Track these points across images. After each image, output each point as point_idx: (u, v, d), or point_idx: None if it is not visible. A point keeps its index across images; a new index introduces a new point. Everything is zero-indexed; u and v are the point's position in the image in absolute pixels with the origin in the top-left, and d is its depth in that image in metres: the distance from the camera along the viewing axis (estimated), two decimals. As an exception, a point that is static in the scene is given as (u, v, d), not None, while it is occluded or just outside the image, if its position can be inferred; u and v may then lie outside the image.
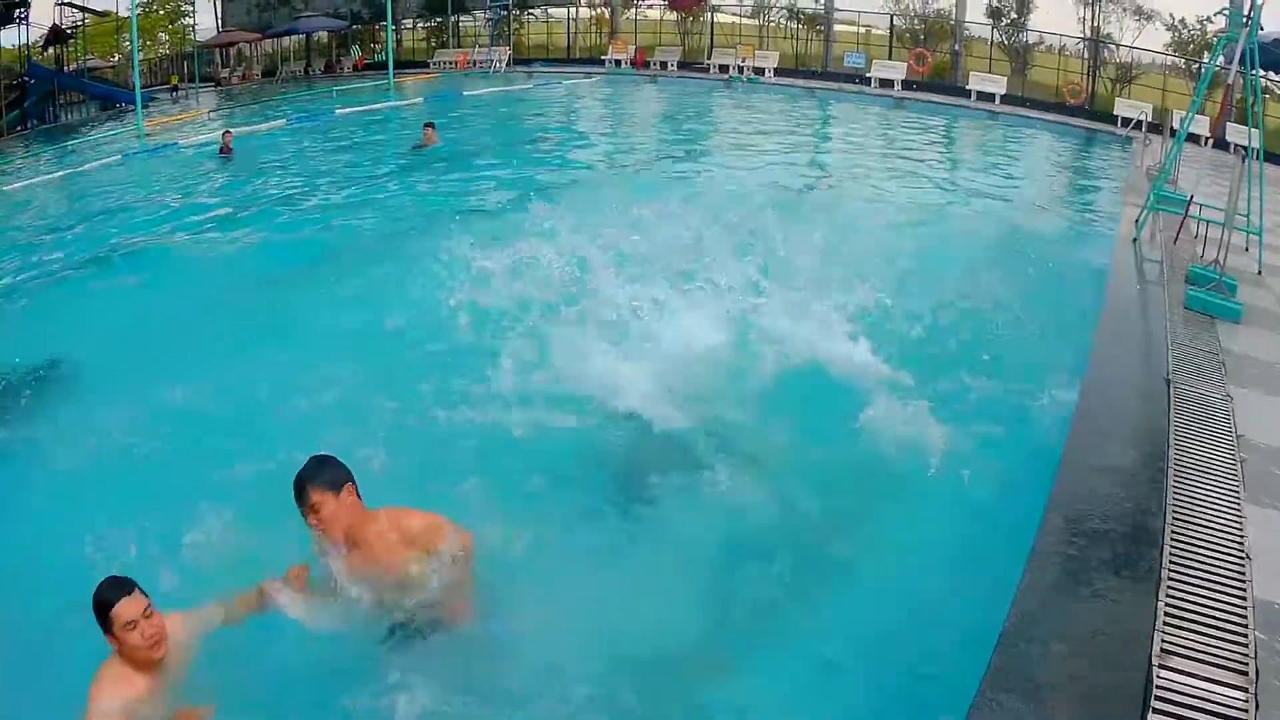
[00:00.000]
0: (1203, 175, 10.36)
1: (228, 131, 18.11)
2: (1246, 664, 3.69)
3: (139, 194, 15.09)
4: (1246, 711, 3.50)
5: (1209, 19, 35.31)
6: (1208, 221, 9.87)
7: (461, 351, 7.25)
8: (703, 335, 7.11)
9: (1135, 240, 10.46)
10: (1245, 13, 9.55)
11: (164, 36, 42.69)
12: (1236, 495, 4.97)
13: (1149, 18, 37.26)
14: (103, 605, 3.83)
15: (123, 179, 16.58)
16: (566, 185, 14.39)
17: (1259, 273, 9.93)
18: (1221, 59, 11.56)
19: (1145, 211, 10.63)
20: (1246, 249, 10.27)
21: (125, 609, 3.82)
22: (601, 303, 7.64)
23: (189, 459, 5.78)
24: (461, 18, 43.54)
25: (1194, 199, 10.64)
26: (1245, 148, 10.67)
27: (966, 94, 33.03)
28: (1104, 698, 3.58)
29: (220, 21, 41.91)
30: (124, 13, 30.27)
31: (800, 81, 35.61)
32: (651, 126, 24.20)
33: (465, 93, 27.85)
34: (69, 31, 33.77)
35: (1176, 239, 10.54)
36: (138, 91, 24.59)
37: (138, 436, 6.13)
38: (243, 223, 12.69)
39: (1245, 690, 3.58)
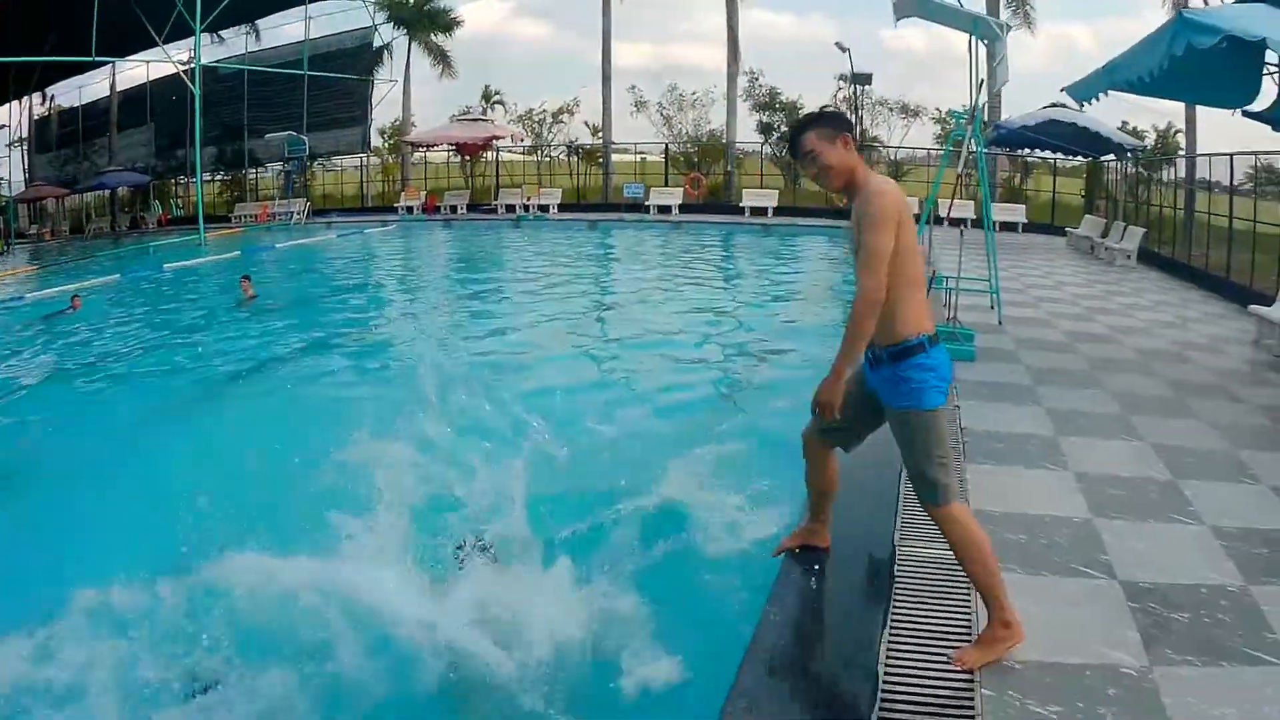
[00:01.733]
0: (967, 251, 12.84)
1: (76, 296, 18.83)
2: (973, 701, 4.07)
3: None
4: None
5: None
6: (954, 290, 12.23)
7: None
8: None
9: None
10: (970, 110, 12.24)
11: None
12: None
13: (915, 114, 40.81)
14: None
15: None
16: (379, 333, 16.19)
17: (999, 323, 12.66)
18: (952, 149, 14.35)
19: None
20: (991, 307, 13.17)
21: None
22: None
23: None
24: (254, 171, 44.84)
25: (936, 272, 13.27)
26: (963, 222, 13.78)
27: (741, 211, 36.23)
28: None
29: (28, 176, 42.16)
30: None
31: (583, 215, 38.43)
32: (449, 269, 25.97)
33: (276, 245, 29.25)
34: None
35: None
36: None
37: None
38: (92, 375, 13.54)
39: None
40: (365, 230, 35.10)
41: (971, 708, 3.97)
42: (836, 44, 36.26)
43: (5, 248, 35.16)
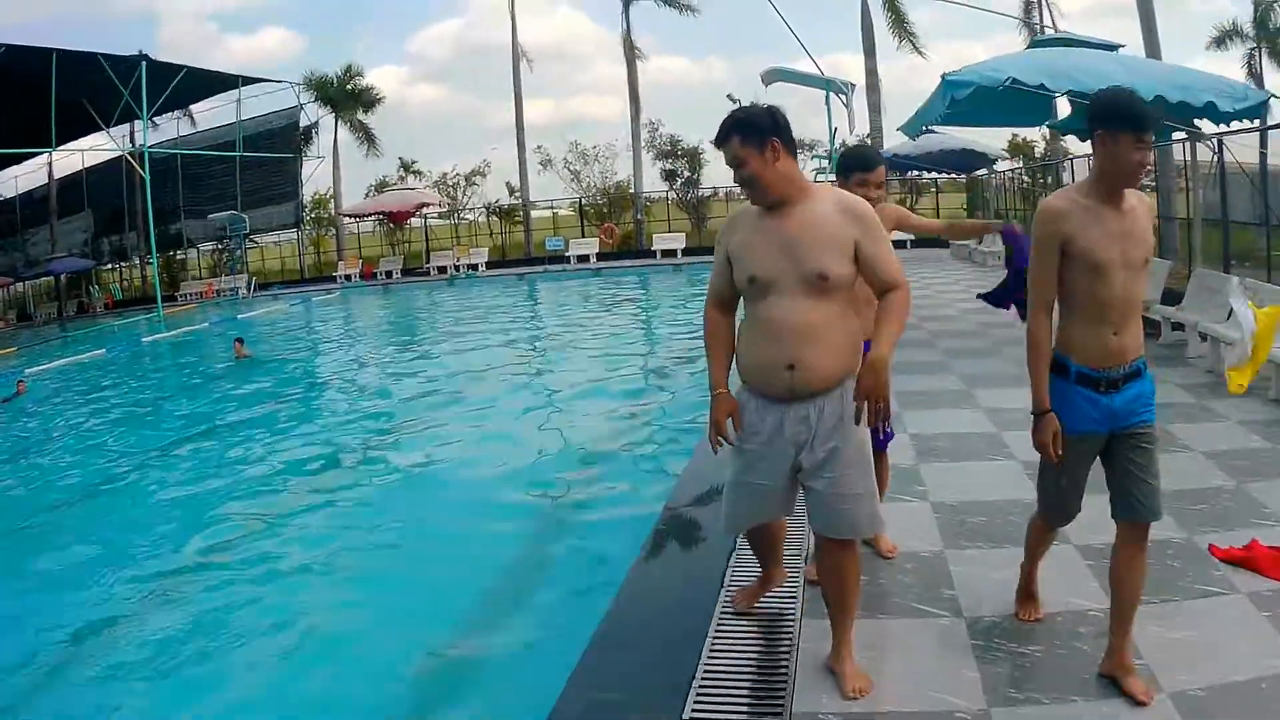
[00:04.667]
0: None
1: (21, 380, 19.72)
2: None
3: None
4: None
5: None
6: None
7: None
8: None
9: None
10: (829, 150, 15.31)
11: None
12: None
13: (810, 148, 40.34)
14: None
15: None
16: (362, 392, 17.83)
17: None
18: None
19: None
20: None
21: None
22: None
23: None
24: (188, 251, 46.72)
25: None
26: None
27: (653, 254, 39.28)
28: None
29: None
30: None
31: (511, 270, 41.04)
32: (396, 330, 27.71)
33: (238, 316, 31.06)
34: None
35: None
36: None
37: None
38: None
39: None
40: (313, 299, 37.03)
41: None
42: (729, 96, 39.31)
43: None
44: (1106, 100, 3.96)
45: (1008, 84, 11.48)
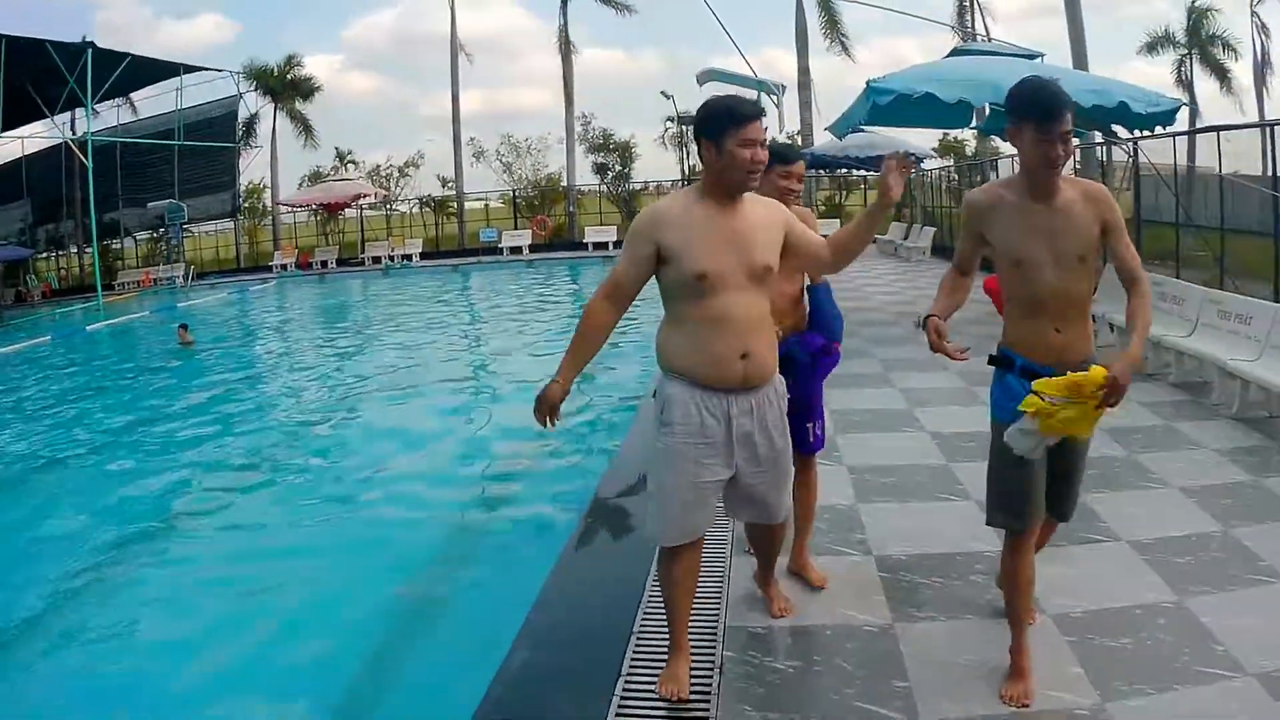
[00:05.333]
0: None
1: None
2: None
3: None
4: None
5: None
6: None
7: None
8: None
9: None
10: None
11: None
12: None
13: None
14: None
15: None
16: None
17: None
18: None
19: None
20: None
21: None
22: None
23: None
24: (124, 240, 46.48)
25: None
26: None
27: (585, 246, 40.03)
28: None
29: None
30: None
31: (445, 261, 42.13)
32: (335, 319, 28.56)
33: (178, 305, 31.33)
34: None
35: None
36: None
37: None
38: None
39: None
40: (251, 288, 37.51)
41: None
42: (662, 93, 40.18)
43: None
44: (1015, 93, 3.97)
45: (923, 94, 12.45)
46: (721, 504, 4.37)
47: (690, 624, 4.45)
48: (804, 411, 5.16)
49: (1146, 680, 4.18)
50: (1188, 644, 4.47)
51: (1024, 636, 4.22)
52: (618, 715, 4.17)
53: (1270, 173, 12.25)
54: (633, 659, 4.62)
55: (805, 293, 5.27)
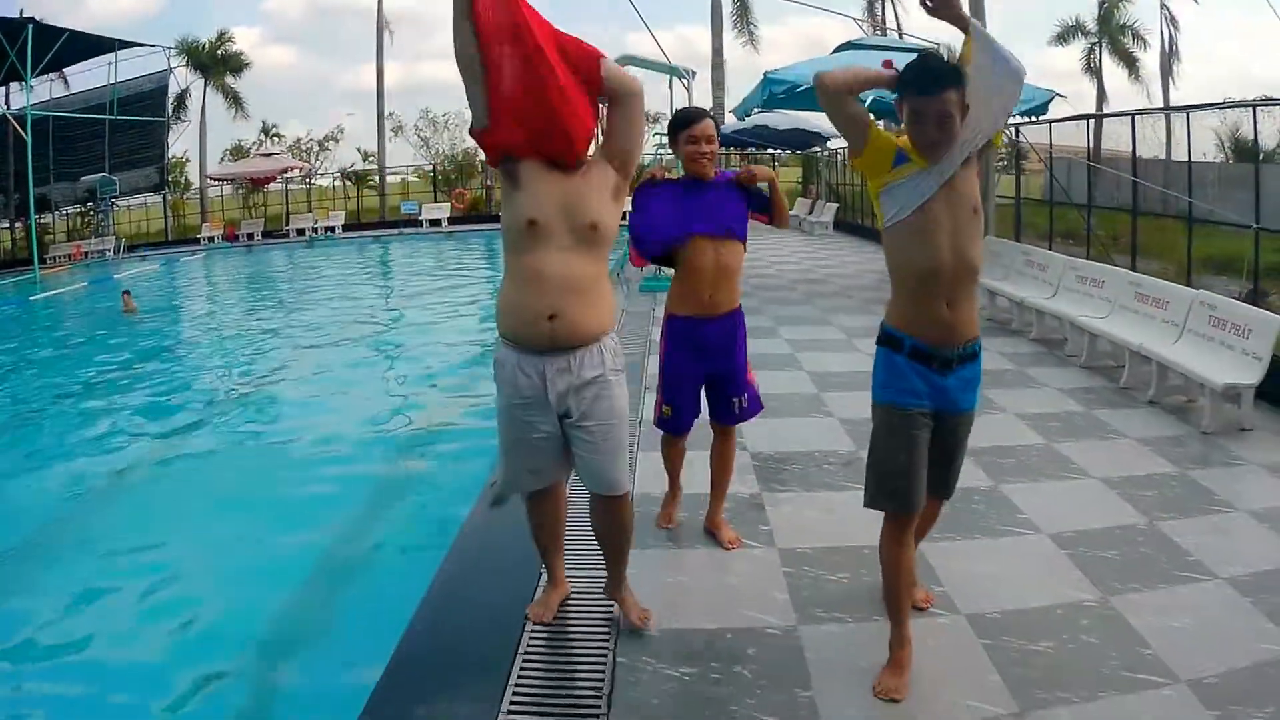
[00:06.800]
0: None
1: None
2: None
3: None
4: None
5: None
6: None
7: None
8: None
9: (619, 274, 18.26)
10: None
11: None
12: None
13: (655, 120, 42.01)
14: None
15: None
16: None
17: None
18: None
19: (618, 261, 17.95)
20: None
21: None
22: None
23: None
24: (54, 214, 46.06)
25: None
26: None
27: (499, 218, 41.26)
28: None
29: None
30: None
31: (367, 233, 43.63)
32: (263, 287, 29.46)
33: (112, 276, 32.06)
34: None
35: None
36: None
37: None
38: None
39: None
40: (180, 259, 38.56)
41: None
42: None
43: None
44: (905, 69, 3.84)
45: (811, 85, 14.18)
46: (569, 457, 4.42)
47: (580, 625, 4.66)
48: (723, 384, 5.33)
49: (1070, 688, 3.97)
50: (1114, 647, 4.29)
51: (906, 628, 4.06)
52: (511, 705, 4.11)
53: (1133, 156, 14.20)
54: (530, 638, 4.62)
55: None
